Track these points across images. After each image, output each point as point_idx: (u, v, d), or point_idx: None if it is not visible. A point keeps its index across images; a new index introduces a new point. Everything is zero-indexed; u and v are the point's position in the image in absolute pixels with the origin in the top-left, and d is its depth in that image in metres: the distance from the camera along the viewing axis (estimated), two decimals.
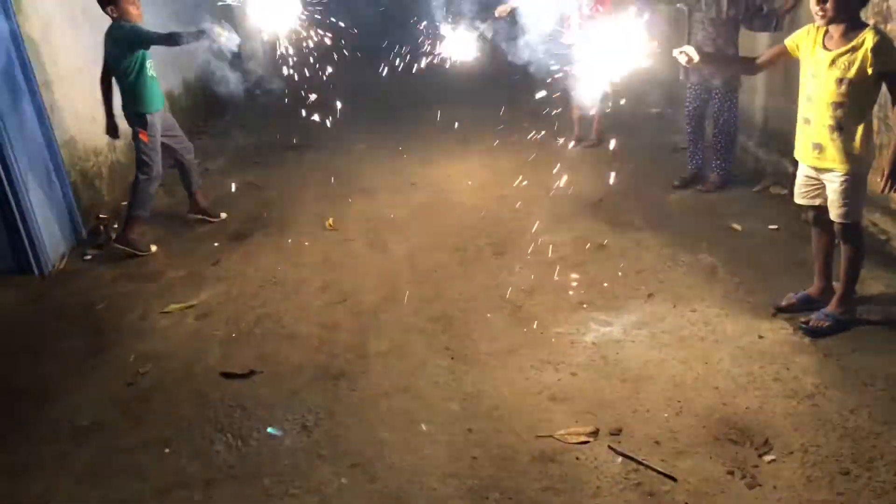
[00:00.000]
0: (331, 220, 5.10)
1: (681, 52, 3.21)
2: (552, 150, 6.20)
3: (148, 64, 4.71)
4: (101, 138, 5.61)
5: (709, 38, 4.83)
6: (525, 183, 5.49)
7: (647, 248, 4.29)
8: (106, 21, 4.63)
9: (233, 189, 5.96)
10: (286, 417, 3.03)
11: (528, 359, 3.30)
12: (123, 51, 4.58)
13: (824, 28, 2.99)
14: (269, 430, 2.98)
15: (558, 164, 5.72)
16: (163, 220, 5.47)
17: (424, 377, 3.24)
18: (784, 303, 3.46)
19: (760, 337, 3.29)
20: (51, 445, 2.98)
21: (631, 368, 3.16)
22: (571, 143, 6.56)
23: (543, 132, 6.59)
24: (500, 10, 5.81)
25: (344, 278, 4.26)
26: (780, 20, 4.64)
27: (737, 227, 4.42)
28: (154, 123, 4.80)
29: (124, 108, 4.80)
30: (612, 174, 5.44)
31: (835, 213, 3.12)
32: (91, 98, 5.47)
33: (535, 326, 3.56)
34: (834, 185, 3.08)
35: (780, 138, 4.96)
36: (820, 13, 2.91)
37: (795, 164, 4.60)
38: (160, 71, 5.03)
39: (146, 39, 4.58)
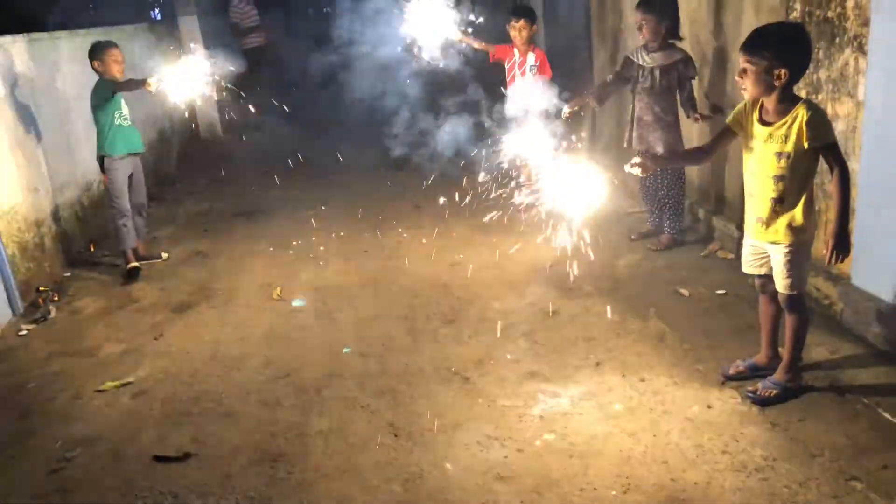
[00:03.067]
0: (279, 290, 4.99)
1: (633, 166, 3.20)
2: (506, 216, 6.20)
3: (117, 113, 5.33)
4: (44, 210, 5.50)
5: (646, 107, 4.94)
6: (477, 249, 5.46)
7: (596, 314, 4.25)
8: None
9: (180, 258, 5.85)
10: None
11: (474, 434, 3.20)
12: (100, 101, 5.25)
13: (760, 102, 3.03)
14: None
15: (511, 232, 5.71)
16: (107, 288, 5.32)
17: (366, 457, 3.12)
18: (732, 371, 3.43)
19: (709, 407, 3.24)
20: None
21: (578, 443, 3.07)
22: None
23: (494, 197, 6.62)
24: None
25: (288, 352, 4.14)
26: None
27: (685, 292, 4.41)
28: (113, 167, 5.36)
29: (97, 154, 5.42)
30: (562, 242, 5.45)
31: (780, 285, 3.12)
32: (32, 167, 5.38)
33: (482, 400, 3.47)
34: (778, 257, 3.09)
35: (727, 203, 5.03)
36: (743, 88, 2.97)
37: (742, 228, 4.70)
38: None
39: (111, 86, 5.25)
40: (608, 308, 4.30)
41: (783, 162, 2.95)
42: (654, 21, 4.74)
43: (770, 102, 2.98)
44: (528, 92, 6.15)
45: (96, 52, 5.25)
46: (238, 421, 3.50)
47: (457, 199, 6.75)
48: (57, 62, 6.10)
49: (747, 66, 2.92)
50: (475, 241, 5.65)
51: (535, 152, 5.84)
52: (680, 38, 4.84)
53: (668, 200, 5.09)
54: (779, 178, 2.99)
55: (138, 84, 5.23)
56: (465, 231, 5.91)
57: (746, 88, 2.97)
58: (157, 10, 18.98)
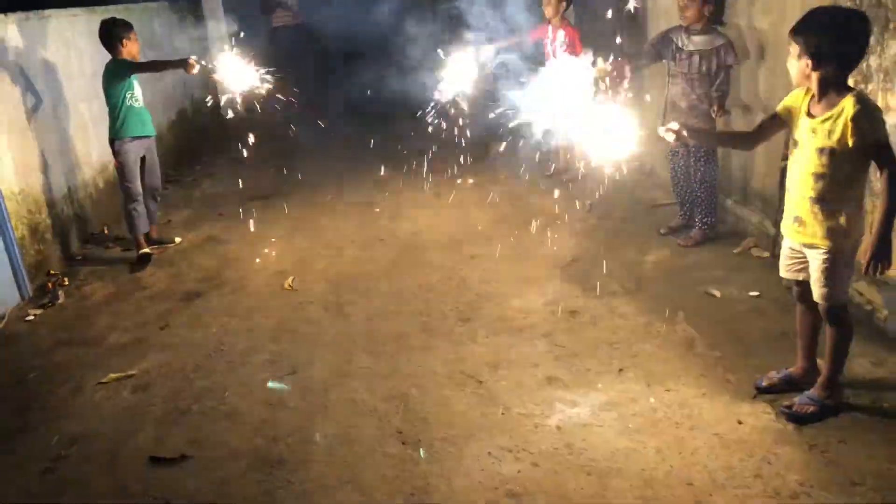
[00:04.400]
0: (290, 280, 4.82)
1: (667, 130, 2.96)
2: (526, 204, 5.97)
3: (129, 94, 5.14)
4: (56, 191, 5.39)
5: (682, 93, 4.67)
6: (496, 241, 5.24)
7: (620, 315, 4.02)
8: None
9: (193, 243, 5.71)
10: None
11: (486, 445, 3.00)
12: (111, 81, 5.10)
13: (812, 92, 2.77)
14: None
15: (533, 221, 5.49)
16: (117, 273, 5.20)
17: (372, 467, 2.94)
18: (765, 383, 3.18)
19: (740, 423, 3.00)
20: None
21: (598, 459, 2.86)
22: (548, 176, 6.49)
23: (522, 189, 6.40)
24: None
25: (296, 348, 3.97)
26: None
27: (716, 293, 4.16)
28: (123, 150, 5.18)
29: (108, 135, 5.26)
30: (586, 232, 5.23)
31: (816, 294, 2.86)
32: (45, 148, 5.25)
33: (496, 407, 3.26)
34: (815, 263, 2.83)
35: (761, 197, 4.75)
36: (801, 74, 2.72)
37: (777, 223, 4.42)
38: None
39: (129, 66, 5.10)
40: (633, 309, 4.07)
41: (825, 159, 2.69)
42: (697, 2, 4.45)
43: (815, 93, 2.72)
44: (557, 72, 5.95)
45: (109, 33, 5.09)
46: (239, 422, 3.33)
47: (481, 185, 6.55)
48: (73, 39, 5.96)
49: (791, 47, 2.67)
50: (496, 232, 5.42)
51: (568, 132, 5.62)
52: (723, 23, 4.54)
53: (701, 193, 4.81)
54: (819, 177, 2.73)
55: (174, 65, 5.19)
56: (487, 222, 5.68)
57: (791, 74, 2.72)
58: None
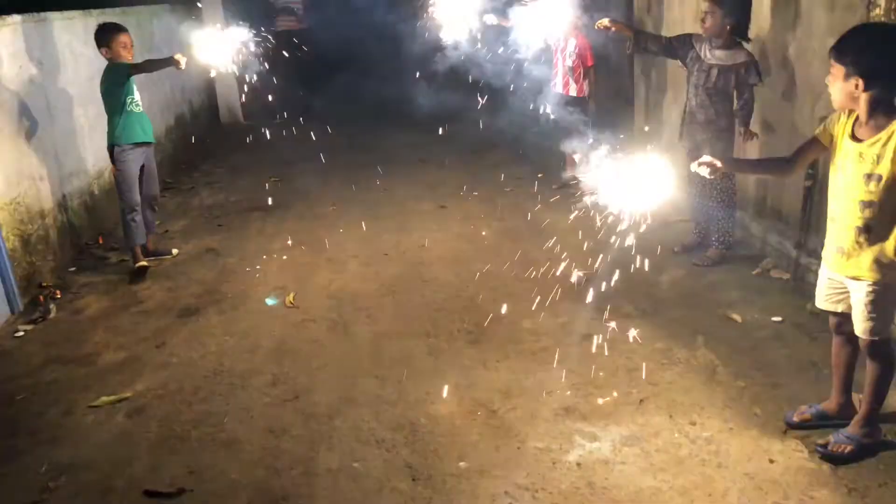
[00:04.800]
0: (292, 296, 4.65)
1: (700, 164, 2.81)
2: (533, 217, 5.81)
3: (129, 99, 4.97)
4: (50, 200, 5.21)
5: (700, 105, 4.52)
6: (504, 256, 5.08)
7: (637, 340, 3.85)
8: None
9: (190, 255, 5.53)
10: None
11: (501, 482, 2.83)
12: (110, 86, 4.92)
13: (855, 115, 2.61)
14: None
15: (541, 236, 5.33)
16: (112, 286, 5.02)
17: None
18: (796, 418, 3.01)
19: (771, 461, 2.84)
20: None
21: (621, 500, 2.69)
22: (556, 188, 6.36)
23: (527, 198, 6.25)
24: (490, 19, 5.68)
25: (298, 369, 3.79)
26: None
27: (736, 317, 3.99)
28: (124, 157, 5.00)
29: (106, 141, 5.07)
30: (597, 248, 5.06)
31: (859, 328, 2.69)
32: (38, 154, 5.08)
33: (511, 440, 3.09)
34: (860, 296, 2.66)
35: (781, 217, 4.59)
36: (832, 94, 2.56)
37: (798, 245, 4.27)
38: None
39: (127, 69, 4.92)
40: (650, 333, 3.90)
41: (873, 186, 2.53)
42: (719, 14, 4.28)
43: (862, 115, 2.55)
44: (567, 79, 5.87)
45: (103, 38, 4.92)
46: (240, 451, 3.15)
47: (488, 198, 6.39)
48: (70, 43, 5.78)
49: (833, 69, 2.52)
50: (505, 247, 5.25)
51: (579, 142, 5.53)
52: (748, 39, 4.38)
53: (718, 210, 4.65)
54: (867, 205, 2.56)
55: (164, 63, 5.00)
56: (496, 236, 5.51)
57: (832, 96, 2.56)
58: None
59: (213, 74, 5.10)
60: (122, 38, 4.92)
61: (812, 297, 4.03)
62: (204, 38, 5.07)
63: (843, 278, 2.74)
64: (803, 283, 4.22)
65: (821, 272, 2.88)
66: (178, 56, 4.85)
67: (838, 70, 2.51)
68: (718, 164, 2.78)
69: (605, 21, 4.78)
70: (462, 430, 3.19)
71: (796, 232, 4.29)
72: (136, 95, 5.08)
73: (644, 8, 6.48)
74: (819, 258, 4.10)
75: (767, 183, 4.70)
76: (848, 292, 2.76)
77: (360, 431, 3.23)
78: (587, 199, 5.79)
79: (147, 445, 3.25)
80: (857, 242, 2.60)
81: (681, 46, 4.60)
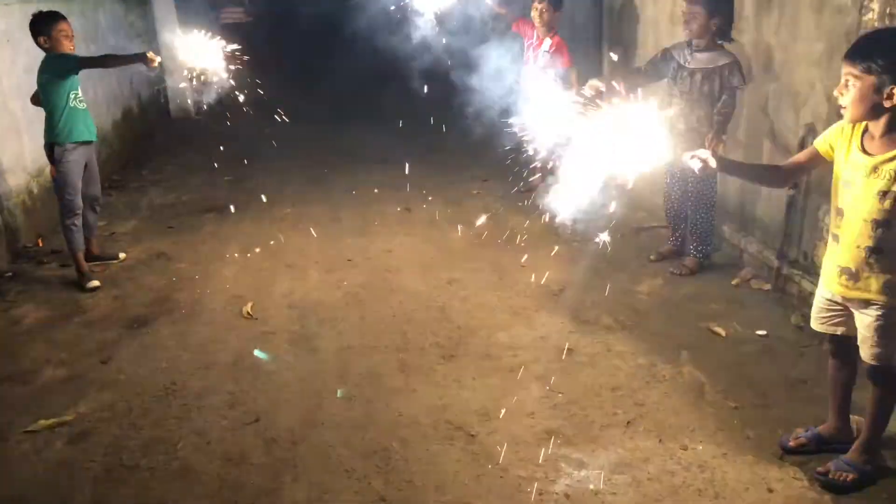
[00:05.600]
0: (249, 306, 4.35)
1: (692, 157, 2.61)
2: (503, 221, 5.60)
3: (72, 94, 4.59)
4: None
5: (681, 114, 4.34)
6: (478, 264, 4.86)
7: (619, 355, 3.67)
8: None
9: (139, 260, 5.17)
10: None
11: None
12: (51, 78, 4.52)
13: (863, 126, 2.44)
14: None
15: (514, 243, 5.13)
16: (53, 293, 4.65)
17: None
18: (792, 443, 2.86)
19: (770, 490, 2.67)
20: None
21: None
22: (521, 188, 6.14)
23: (499, 206, 6.04)
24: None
25: (259, 388, 3.51)
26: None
27: (720, 331, 3.84)
28: (66, 157, 4.62)
29: (44, 140, 4.68)
30: (571, 256, 4.89)
31: (866, 353, 2.54)
32: None
33: (491, 467, 2.87)
34: (867, 320, 2.50)
35: (761, 225, 4.47)
36: (842, 106, 2.38)
37: (780, 255, 4.14)
38: None
39: (75, 61, 4.55)
40: (632, 347, 3.72)
41: (888, 203, 2.36)
42: (703, 15, 4.12)
43: (877, 128, 2.38)
44: (538, 77, 5.71)
45: (41, 26, 4.51)
46: (195, 482, 2.87)
47: (455, 200, 6.16)
48: (7, 31, 5.36)
49: (852, 78, 2.32)
50: (475, 254, 5.03)
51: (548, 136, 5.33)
52: (730, 40, 4.22)
53: (696, 217, 4.50)
54: (879, 224, 2.39)
55: (129, 60, 4.75)
56: (464, 242, 5.29)
57: (846, 107, 2.37)
58: None
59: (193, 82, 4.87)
60: (62, 26, 4.51)
61: (795, 308, 3.96)
62: (187, 43, 4.82)
63: (843, 301, 2.58)
64: (785, 295, 4.10)
65: (818, 293, 2.72)
66: (150, 54, 4.54)
67: (865, 80, 2.30)
68: (713, 161, 2.59)
69: (595, 83, 4.61)
70: (439, 457, 2.95)
71: (777, 241, 4.16)
72: (80, 91, 4.70)
73: (615, 9, 6.32)
74: (802, 269, 4.03)
75: (746, 190, 4.57)
76: (847, 315, 2.60)
77: (328, 459, 2.97)
78: (554, 202, 5.64)
79: (91, 477, 2.94)
80: (867, 263, 2.44)
81: (664, 64, 4.42)
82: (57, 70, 4.53)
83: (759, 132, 4.33)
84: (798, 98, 3.93)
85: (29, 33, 4.58)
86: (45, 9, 4.70)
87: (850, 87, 2.33)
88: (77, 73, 4.61)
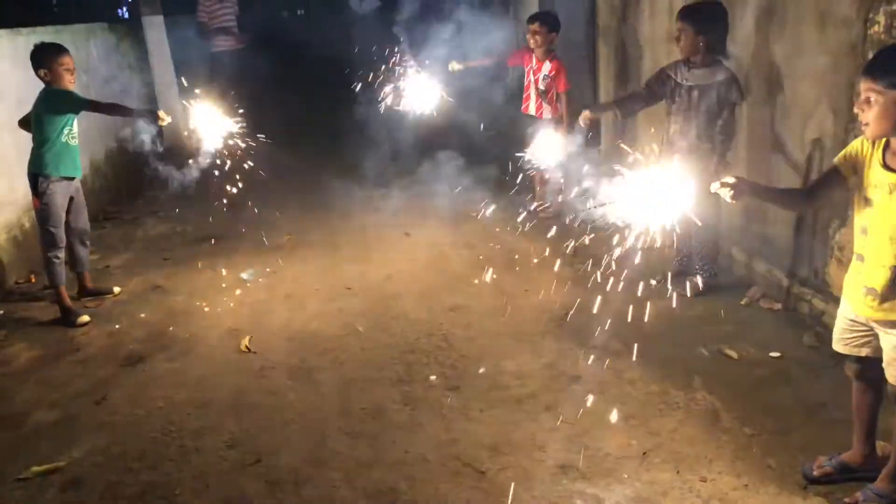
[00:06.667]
0: (247, 340, 4.24)
1: (722, 185, 2.53)
2: (503, 245, 5.51)
3: (67, 129, 4.52)
4: None
5: (681, 131, 4.27)
6: (477, 288, 4.76)
7: (630, 382, 3.56)
8: None
9: (134, 294, 5.06)
10: None
11: None
12: (51, 111, 4.46)
13: (883, 141, 2.36)
14: None
15: (516, 267, 5.05)
16: (45, 331, 4.53)
17: None
18: (816, 472, 2.75)
19: None
20: None
21: None
22: (525, 212, 6.02)
23: (495, 223, 5.95)
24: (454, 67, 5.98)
25: (259, 427, 3.39)
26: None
27: (732, 353, 3.74)
28: (52, 190, 4.51)
29: (27, 169, 4.59)
30: (575, 278, 4.79)
31: (893, 375, 2.44)
32: None
33: None
34: (893, 341, 2.41)
35: (768, 243, 4.38)
36: (864, 123, 2.29)
37: (790, 274, 4.05)
38: None
39: (79, 101, 4.51)
40: (642, 373, 3.62)
41: None
42: (691, 33, 4.06)
43: None
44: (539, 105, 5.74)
45: (43, 59, 4.44)
46: None
47: (454, 224, 6.06)
48: None
49: (873, 95, 2.23)
50: (476, 279, 4.93)
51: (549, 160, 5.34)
52: (727, 56, 4.16)
53: (702, 237, 4.41)
54: None
55: (140, 114, 5.01)
56: (465, 267, 5.19)
57: (868, 124, 2.28)
58: (124, 9, 18.03)
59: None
60: (65, 59, 4.45)
61: (808, 328, 3.87)
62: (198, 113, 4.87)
63: (867, 321, 2.48)
64: (796, 314, 4.01)
65: (840, 313, 2.62)
66: (161, 113, 4.56)
67: (886, 94, 2.21)
68: (741, 187, 2.50)
69: (588, 114, 4.61)
70: (449, 496, 2.84)
71: (786, 260, 4.07)
72: (76, 128, 4.60)
73: (610, 28, 6.27)
74: (813, 288, 3.94)
75: (752, 207, 4.48)
76: (872, 336, 2.50)
77: (333, 501, 2.85)
78: (560, 222, 5.57)
79: None
80: (892, 283, 2.35)
81: (659, 85, 4.36)
82: (57, 107, 4.47)
83: (764, 148, 4.25)
84: (803, 113, 3.86)
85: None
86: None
87: (873, 104, 2.24)
88: (77, 114, 4.55)
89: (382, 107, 6.12)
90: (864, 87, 2.25)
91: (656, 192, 2.63)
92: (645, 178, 2.68)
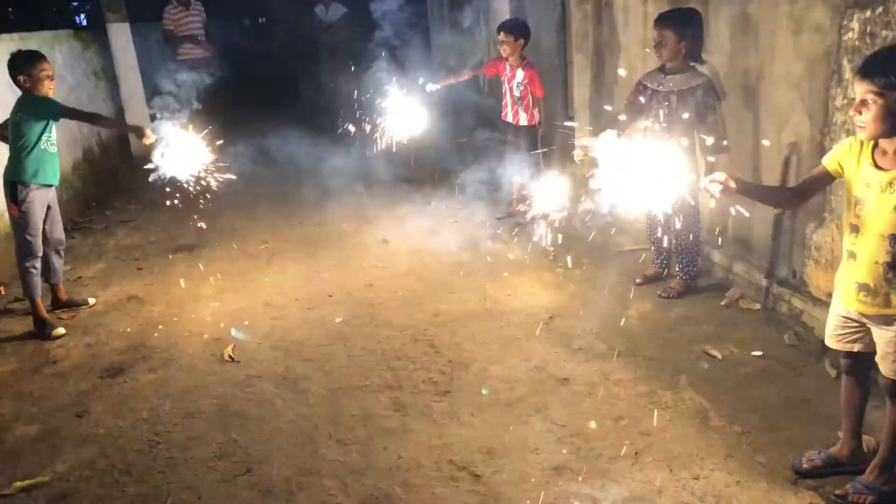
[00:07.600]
0: (230, 349, 4.19)
1: (711, 181, 2.57)
2: (483, 249, 5.52)
3: (45, 136, 4.46)
4: None
5: (661, 137, 4.31)
6: (460, 293, 4.77)
7: (617, 383, 3.60)
8: None
9: (109, 304, 4.96)
10: None
11: None
12: (28, 119, 4.38)
13: (873, 141, 2.42)
14: None
15: (498, 271, 5.07)
16: (19, 344, 4.43)
17: None
18: (806, 466, 2.81)
19: None
20: None
21: None
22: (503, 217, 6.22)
23: (474, 228, 5.97)
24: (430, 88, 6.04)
25: (248, 437, 3.35)
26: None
27: (715, 353, 3.80)
28: (31, 197, 4.44)
29: (3, 177, 4.52)
30: (556, 282, 4.83)
31: (887, 368, 2.50)
32: None
33: None
34: (888, 336, 2.47)
35: (746, 244, 4.47)
36: (861, 125, 2.35)
37: (769, 274, 4.13)
38: None
39: (60, 110, 4.48)
40: (630, 375, 3.66)
41: None
42: (673, 39, 4.14)
43: (891, 144, 2.35)
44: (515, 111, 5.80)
45: (23, 66, 4.36)
46: None
47: (433, 230, 6.07)
48: None
49: (870, 97, 2.28)
50: (459, 284, 4.94)
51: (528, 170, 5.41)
52: (702, 61, 4.25)
53: (683, 238, 4.48)
54: None
55: (125, 128, 5.10)
56: (446, 272, 5.19)
57: (865, 126, 2.33)
58: (82, 16, 17.68)
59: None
60: (44, 66, 4.40)
61: (788, 327, 3.95)
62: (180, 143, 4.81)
63: (860, 317, 2.55)
64: (775, 314, 4.08)
65: (832, 310, 2.69)
66: (148, 131, 4.60)
67: (885, 95, 2.25)
68: (732, 183, 2.55)
69: (581, 155, 4.74)
70: (444, 500, 2.83)
71: (765, 260, 4.15)
72: (54, 134, 4.53)
73: (587, 35, 6.33)
74: (791, 287, 4.02)
75: (729, 209, 4.55)
76: (864, 331, 2.57)
77: None
78: (538, 228, 5.60)
79: None
80: (886, 279, 2.40)
81: (639, 99, 4.40)
82: (37, 113, 4.40)
83: (742, 153, 4.33)
84: (779, 118, 3.94)
85: None
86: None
87: (871, 105, 2.29)
88: (57, 121, 4.49)
89: (375, 149, 6.11)
90: (862, 88, 2.30)
91: (643, 176, 2.66)
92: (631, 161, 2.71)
